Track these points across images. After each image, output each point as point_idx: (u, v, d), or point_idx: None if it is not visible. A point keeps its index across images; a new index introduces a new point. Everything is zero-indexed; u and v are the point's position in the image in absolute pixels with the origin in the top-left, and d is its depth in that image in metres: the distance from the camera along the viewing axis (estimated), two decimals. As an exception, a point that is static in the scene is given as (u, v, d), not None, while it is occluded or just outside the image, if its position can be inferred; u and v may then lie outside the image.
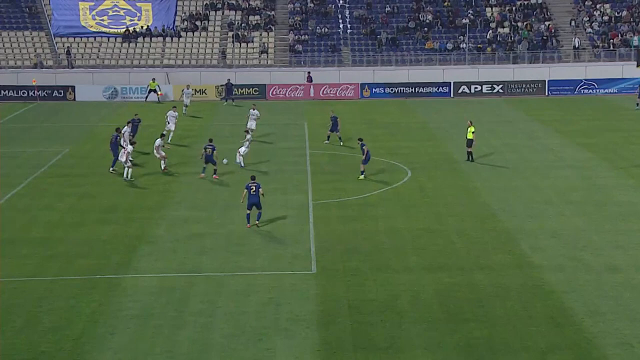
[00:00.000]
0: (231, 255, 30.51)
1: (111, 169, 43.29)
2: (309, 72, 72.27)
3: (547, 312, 25.11)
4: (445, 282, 27.62)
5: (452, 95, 71.23)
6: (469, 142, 44.55)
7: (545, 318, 24.66)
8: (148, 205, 37.39)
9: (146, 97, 69.46)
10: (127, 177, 41.45)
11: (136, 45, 77.68)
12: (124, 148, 42.57)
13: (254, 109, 51.16)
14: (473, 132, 44.52)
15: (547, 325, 24.18)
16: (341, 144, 49.16)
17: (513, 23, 78.89)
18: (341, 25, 79.70)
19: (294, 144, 50.80)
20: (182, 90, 64.33)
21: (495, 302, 25.90)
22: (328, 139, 49.82)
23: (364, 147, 41.22)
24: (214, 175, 41.53)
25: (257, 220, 33.57)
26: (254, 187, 33.18)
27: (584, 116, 58.66)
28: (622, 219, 34.52)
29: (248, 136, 45.13)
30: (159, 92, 69.03)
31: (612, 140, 50.17)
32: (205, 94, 70.85)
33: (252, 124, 49.98)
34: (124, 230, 33.66)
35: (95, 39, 78.03)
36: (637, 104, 60.60)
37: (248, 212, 33.43)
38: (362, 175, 41.08)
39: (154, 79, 69.55)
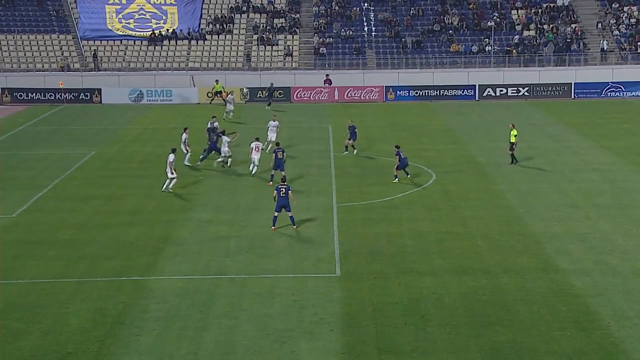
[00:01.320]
0: (255, 258, 30.56)
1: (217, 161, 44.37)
2: (327, 75, 72.19)
3: (572, 316, 24.94)
4: (469, 285, 27.50)
5: (477, 98, 71.01)
6: (512, 146, 44.45)
7: (571, 322, 24.50)
8: (173, 208, 37.52)
9: (211, 100, 69.57)
10: (167, 187, 40.10)
11: (162, 48, 78.23)
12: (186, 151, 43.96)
13: (274, 120, 49.82)
14: (515, 136, 44.35)
15: (573, 329, 24.01)
16: (355, 152, 47.98)
17: (539, 25, 78.55)
18: (366, 28, 79.70)
19: (318, 147, 50.89)
20: (227, 95, 63.38)
21: (521, 306, 25.76)
22: (347, 149, 48.43)
23: (400, 153, 40.98)
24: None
25: (293, 225, 33.52)
26: (283, 190, 33.11)
27: (611, 119, 58.29)
28: (649, 222, 34.24)
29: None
30: (224, 94, 69.20)
31: (638, 144, 49.76)
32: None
33: (272, 136, 48.78)
34: (149, 232, 33.80)
35: (121, 42, 78.70)
36: None
37: (276, 214, 33.44)
38: (396, 179, 41.01)
39: (217, 80, 69.77)
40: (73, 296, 27.06)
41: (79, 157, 48.59)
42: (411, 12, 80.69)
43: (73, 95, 71.47)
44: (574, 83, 71.46)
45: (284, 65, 76.41)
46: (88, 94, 71.73)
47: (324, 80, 72.07)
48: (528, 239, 32.37)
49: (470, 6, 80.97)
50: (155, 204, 38.22)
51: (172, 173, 39.61)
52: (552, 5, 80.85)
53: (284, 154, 41.37)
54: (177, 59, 77.22)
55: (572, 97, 70.96)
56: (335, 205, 37.39)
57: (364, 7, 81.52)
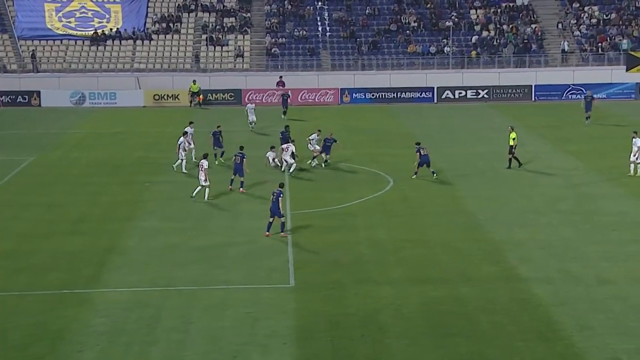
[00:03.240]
0: (206, 268, 29.79)
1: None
2: (280, 77, 71.24)
3: (535, 326, 24.60)
4: (429, 295, 26.98)
5: (435, 101, 70.57)
6: (510, 149, 44.10)
7: (533, 332, 24.16)
8: (119, 216, 36.55)
9: (191, 102, 68.30)
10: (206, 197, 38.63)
11: (105, 48, 76.34)
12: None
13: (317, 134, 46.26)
14: (514, 139, 43.92)
15: (535, 339, 23.68)
16: (323, 165, 45.42)
17: (498, 26, 78.28)
18: (320, 28, 78.80)
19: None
20: (246, 106, 58.90)
21: (482, 316, 25.34)
22: (315, 159, 45.72)
23: (420, 150, 41.51)
24: (241, 189, 40.19)
25: (282, 231, 32.79)
26: (275, 195, 32.68)
27: (572, 122, 58.00)
28: (612, 229, 33.93)
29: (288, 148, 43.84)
30: (200, 96, 67.96)
31: (601, 148, 49.56)
32: (178, 99, 69.85)
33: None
34: (94, 242, 32.84)
35: (61, 42, 76.57)
36: (587, 118, 58.23)
37: (270, 220, 32.88)
38: (415, 175, 41.72)
39: (194, 81, 68.57)
40: (12, 311, 26.09)
41: (18, 163, 47.22)
42: (367, 11, 79.90)
43: (10, 98, 69.53)
44: (535, 85, 71.27)
45: (235, 66, 75.13)
46: (26, 96, 69.72)
47: (277, 82, 70.99)
48: (489, 246, 31.91)
49: (428, 5, 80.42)
50: (100, 212, 37.25)
51: (207, 181, 38.11)
52: (511, 4, 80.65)
53: (243, 159, 40.20)
54: (121, 59, 75.41)
55: (533, 99, 70.81)
56: (289, 213, 36.51)
57: (317, 6, 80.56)
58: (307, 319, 25.20)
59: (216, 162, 45.09)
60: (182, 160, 43.64)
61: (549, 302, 26.26)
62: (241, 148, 41.27)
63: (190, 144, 45.14)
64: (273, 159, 43.65)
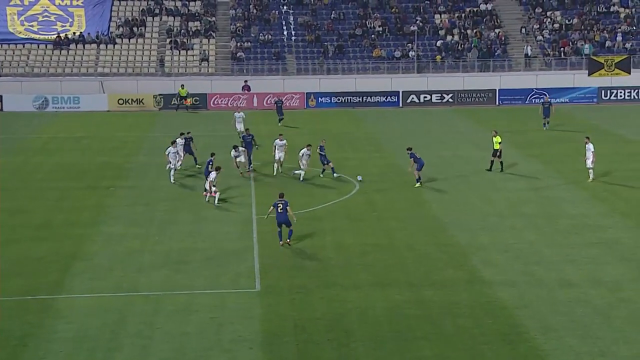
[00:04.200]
0: (171, 273, 29.56)
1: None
2: (245, 81, 71.09)
3: (499, 328, 24.66)
4: (394, 299, 26.98)
5: (400, 105, 70.77)
6: (495, 152, 44.31)
7: (497, 335, 24.21)
8: (83, 221, 36.17)
9: (177, 107, 67.70)
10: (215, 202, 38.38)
11: (68, 52, 75.70)
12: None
13: (280, 139, 44.79)
14: (500, 143, 44.01)
15: (499, 342, 23.75)
16: (321, 175, 43.97)
17: (462, 31, 78.69)
18: (285, 32, 78.75)
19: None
20: (233, 114, 55.93)
21: (446, 319, 25.39)
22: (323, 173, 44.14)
23: (415, 156, 40.99)
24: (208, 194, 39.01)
25: (289, 239, 32.20)
26: (281, 205, 31.73)
27: (536, 126, 58.33)
28: (575, 232, 34.13)
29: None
30: (188, 100, 67.43)
31: (563, 152, 49.94)
32: (143, 103, 69.49)
33: (280, 155, 44.20)
34: (58, 247, 32.43)
35: (24, 46, 75.91)
36: (544, 124, 58.07)
37: (279, 229, 32.11)
38: (419, 183, 41.06)
39: (183, 85, 68.07)
40: (-25, 317, 25.71)
41: (-20, 168, 46.59)
42: (332, 15, 79.97)
43: (-28, 103, 68.69)
44: (499, 89, 71.71)
45: (200, 70, 74.85)
46: (-12, 101, 68.89)
47: (242, 87, 70.83)
48: (454, 250, 31.97)
49: (393, 10, 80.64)
50: (64, 218, 36.83)
51: (213, 188, 38.33)
52: (475, 10, 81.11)
53: (210, 165, 39.90)
54: (85, 64, 74.81)
55: (497, 103, 71.24)
56: (255, 218, 36.45)
57: (283, 11, 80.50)
58: (273, 323, 25.08)
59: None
60: (171, 169, 42.55)
61: (512, 304, 26.33)
62: (212, 155, 40.96)
63: (179, 155, 43.36)
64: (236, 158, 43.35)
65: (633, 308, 26.03)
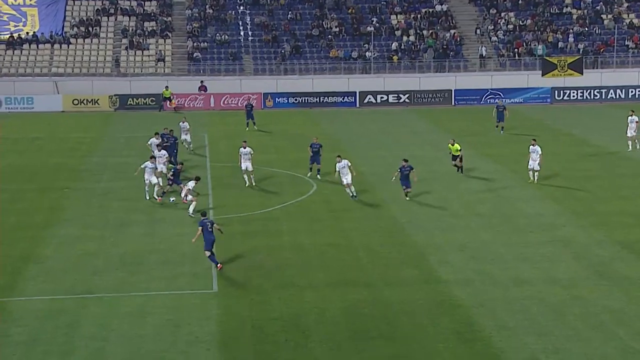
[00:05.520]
0: (126, 275, 29.29)
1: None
2: (202, 81, 70.80)
3: (455, 327, 24.80)
4: (351, 298, 27.00)
5: (358, 105, 70.93)
6: (454, 157, 43.89)
7: (453, 333, 24.35)
8: (35, 223, 35.65)
9: (161, 107, 67.02)
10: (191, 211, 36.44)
11: (22, 52, 74.73)
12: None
13: (244, 147, 42.41)
14: (459, 150, 43.49)
15: (455, 341, 23.89)
16: (318, 176, 43.35)
17: (418, 31, 79.07)
18: (242, 33, 78.49)
19: (193, 157, 49.41)
20: (178, 124, 52.05)
21: (403, 318, 25.48)
22: (311, 171, 43.91)
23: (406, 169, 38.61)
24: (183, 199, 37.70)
25: (217, 263, 29.89)
26: (209, 225, 29.75)
27: (491, 127, 58.75)
28: (529, 231, 34.38)
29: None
30: (173, 102, 66.71)
31: (518, 151, 50.22)
32: (98, 104, 68.91)
33: (247, 165, 41.88)
34: (8, 250, 31.85)
35: (-24, 46, 74.77)
36: (497, 127, 57.50)
37: (208, 253, 29.63)
38: (407, 197, 38.97)
39: (167, 87, 67.37)
40: None
41: None
42: (289, 16, 79.90)
43: None
44: (454, 90, 72.20)
45: (156, 71, 74.33)
46: (-61, 102, 67.92)
47: (199, 87, 70.56)
48: (410, 250, 32.06)
49: (349, 11, 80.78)
50: (15, 220, 36.24)
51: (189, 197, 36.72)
52: (430, 10, 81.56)
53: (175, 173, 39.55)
54: (38, 64, 73.94)
55: (453, 103, 71.71)
56: (211, 218, 36.04)
57: (239, 11, 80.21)
58: (230, 324, 25.01)
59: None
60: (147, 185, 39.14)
61: (468, 303, 26.49)
62: (181, 164, 40.74)
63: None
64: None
65: (586, 305, 26.30)
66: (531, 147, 42.19)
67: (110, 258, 31.17)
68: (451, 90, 72.20)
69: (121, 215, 36.98)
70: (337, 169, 39.43)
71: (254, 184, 41.59)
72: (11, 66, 73.37)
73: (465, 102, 71.84)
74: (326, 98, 71.27)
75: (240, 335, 24.26)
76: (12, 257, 31.14)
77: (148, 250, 32.08)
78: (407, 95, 71.69)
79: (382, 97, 71.54)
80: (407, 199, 38.65)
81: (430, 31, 78.83)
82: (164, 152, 40.50)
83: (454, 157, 44.17)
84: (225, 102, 69.43)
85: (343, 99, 71.41)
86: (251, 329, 24.71)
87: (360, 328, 24.71)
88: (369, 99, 71.46)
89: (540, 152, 41.83)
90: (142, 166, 39.00)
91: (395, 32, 79.18)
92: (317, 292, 27.54)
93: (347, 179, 38.95)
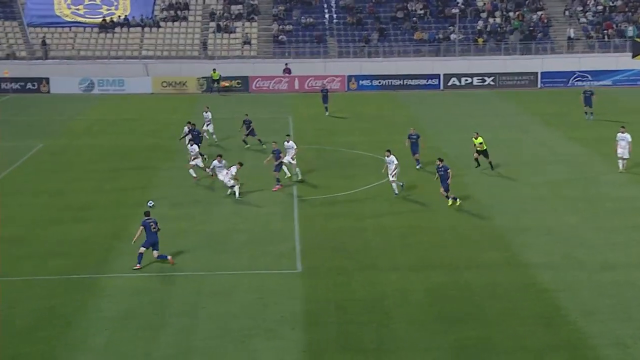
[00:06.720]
0: (214, 254, 29.82)
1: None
2: (286, 64, 71.19)
3: (540, 311, 24.62)
4: (434, 281, 26.99)
5: (441, 88, 70.41)
6: (479, 152, 40.88)
7: (538, 317, 24.18)
8: (126, 203, 36.35)
9: (211, 89, 68.37)
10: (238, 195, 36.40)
11: (113, 35, 76.09)
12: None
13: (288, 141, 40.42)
14: (481, 143, 40.86)
15: (540, 325, 23.72)
16: (419, 167, 41.83)
17: (504, 13, 78.00)
18: (327, 15, 78.52)
19: (278, 139, 49.68)
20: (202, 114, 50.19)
21: (487, 301, 25.35)
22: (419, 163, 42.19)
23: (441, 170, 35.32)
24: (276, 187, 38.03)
25: (167, 258, 28.78)
26: (153, 224, 28.51)
27: (578, 109, 57.76)
28: (616, 215, 33.86)
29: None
30: (222, 83, 67.92)
31: (606, 135, 49.21)
32: (186, 86, 69.86)
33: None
34: (101, 228, 32.73)
35: (70, 29, 76.29)
36: (586, 113, 55.34)
37: (143, 250, 28.34)
38: (451, 201, 35.29)
39: (214, 69, 68.59)
40: (20, 296, 26.14)
41: (26, 150, 47.13)
42: (374, -2, 79.58)
43: (19, 85, 69.67)
44: (541, 72, 71.06)
45: (242, 53, 74.88)
46: (35, 83, 69.79)
47: (283, 70, 71.00)
48: (495, 232, 31.87)
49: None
50: (107, 199, 37.08)
51: (230, 181, 36.52)
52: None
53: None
54: (129, 47, 75.13)
55: (539, 86, 70.60)
56: (296, 199, 36.62)
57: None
58: (315, 304, 25.20)
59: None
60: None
61: (553, 287, 26.25)
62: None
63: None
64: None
65: (678, 291, 25.75)
66: (619, 134, 40.44)
67: (199, 236, 31.70)
68: (537, 73, 71.06)
69: (209, 195, 37.45)
70: (385, 164, 37.38)
71: (298, 177, 39.75)
72: (103, 49, 74.93)
73: (552, 85, 70.69)
74: (410, 81, 70.90)
75: (324, 316, 24.41)
76: (104, 234, 31.95)
77: (235, 229, 32.51)
78: (491, 78, 70.82)
79: (466, 80, 70.84)
80: (449, 204, 35.16)
81: (517, 13, 77.69)
82: (195, 147, 40.49)
83: (479, 152, 40.69)
84: (310, 85, 69.72)
85: (427, 81, 70.96)
86: (335, 309, 24.85)
87: (444, 310, 24.68)
88: (453, 81, 70.86)
89: (629, 140, 40.08)
90: (211, 167, 38.24)
91: (481, 13, 78.25)
92: (400, 274, 27.58)
93: (392, 174, 36.88)
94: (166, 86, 69.89)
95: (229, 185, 36.78)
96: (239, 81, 69.87)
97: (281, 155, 38.48)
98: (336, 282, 26.91)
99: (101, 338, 23.11)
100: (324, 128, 52.55)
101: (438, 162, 35.67)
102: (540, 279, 27.01)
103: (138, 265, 28.24)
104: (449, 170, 35.16)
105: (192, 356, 22.14)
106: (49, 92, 69.45)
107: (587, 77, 69.05)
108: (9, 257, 29.65)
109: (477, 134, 41.17)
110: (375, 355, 22.08)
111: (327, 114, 57.97)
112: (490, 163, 40.94)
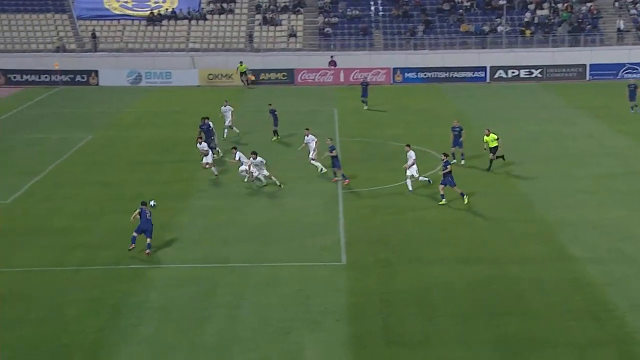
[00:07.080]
0: (258, 246, 29.97)
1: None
2: (332, 56, 71.18)
3: (587, 305, 24.38)
4: (479, 274, 26.87)
5: (488, 80, 69.93)
6: (492, 150, 39.90)
7: (585, 312, 23.95)
8: (173, 195, 36.67)
9: (246, 81, 68.89)
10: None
11: (161, 28, 76.74)
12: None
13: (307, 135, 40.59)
14: (496, 139, 39.81)
15: (587, 319, 23.49)
16: (462, 162, 41.38)
17: (553, 4, 77.18)
18: (372, 8, 78.33)
19: (323, 131, 49.87)
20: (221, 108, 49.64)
21: (532, 295, 25.19)
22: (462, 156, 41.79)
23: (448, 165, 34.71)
24: (345, 180, 37.88)
25: (149, 250, 29.19)
26: (149, 213, 29.29)
27: (626, 102, 56.98)
28: (666, 209, 33.40)
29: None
30: (249, 76, 68.36)
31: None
32: (232, 78, 70.21)
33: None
34: (149, 219, 33.04)
35: (118, 22, 77.13)
36: (632, 108, 54.47)
37: (136, 234, 29.03)
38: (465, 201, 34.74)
39: (241, 62, 69.05)
40: (69, 285, 26.56)
41: (75, 142, 47.74)
42: (420, -9, 79.18)
43: (69, 77, 70.52)
44: (589, 64, 70.22)
45: (288, 46, 75.06)
46: (85, 75, 70.67)
47: (329, 62, 71.03)
48: (539, 226, 31.61)
49: (482, -16, 79.48)
50: (154, 191, 37.04)
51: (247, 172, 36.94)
52: (566, -17, 79.39)
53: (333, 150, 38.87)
54: (176, 39, 75.71)
55: (587, 78, 69.80)
56: (340, 192, 36.65)
57: (370, -14, 79.99)
58: (359, 296, 25.20)
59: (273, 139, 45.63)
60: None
61: (600, 281, 26.00)
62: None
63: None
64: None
65: None
66: None
67: (242, 228, 31.88)
68: (586, 65, 70.24)
69: (251, 188, 37.53)
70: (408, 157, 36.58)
71: (323, 170, 39.43)
72: (151, 42, 75.60)
73: (600, 77, 69.84)
74: (456, 73, 70.51)
75: (369, 308, 24.40)
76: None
77: (278, 221, 32.66)
78: (539, 70, 70.17)
79: (513, 72, 70.26)
80: (465, 202, 34.44)
81: (565, 4, 76.82)
82: (204, 144, 40.11)
83: (492, 150, 39.61)
84: (355, 77, 69.65)
85: (473, 73, 70.51)
86: (379, 302, 24.85)
87: (488, 303, 24.57)
88: (500, 74, 70.32)
89: None
90: (243, 166, 37.65)
91: (529, 5, 77.50)
92: (444, 267, 27.52)
93: (411, 170, 36.25)
94: (212, 79, 70.31)
95: (260, 177, 36.96)
96: (285, 74, 70.03)
97: (334, 151, 38.35)
98: (380, 275, 26.91)
99: (149, 328, 23.36)
100: (368, 120, 52.43)
101: (443, 157, 34.84)
102: (586, 273, 26.77)
103: (132, 245, 28.84)
104: (449, 166, 34.43)
105: (237, 346, 22.29)
106: (97, 84, 70.29)
107: (638, 69, 68.13)
108: (59, 247, 30.15)
109: (489, 130, 40.14)
110: (420, 348, 22.03)
111: (365, 107, 57.55)
112: (491, 161, 39.77)
